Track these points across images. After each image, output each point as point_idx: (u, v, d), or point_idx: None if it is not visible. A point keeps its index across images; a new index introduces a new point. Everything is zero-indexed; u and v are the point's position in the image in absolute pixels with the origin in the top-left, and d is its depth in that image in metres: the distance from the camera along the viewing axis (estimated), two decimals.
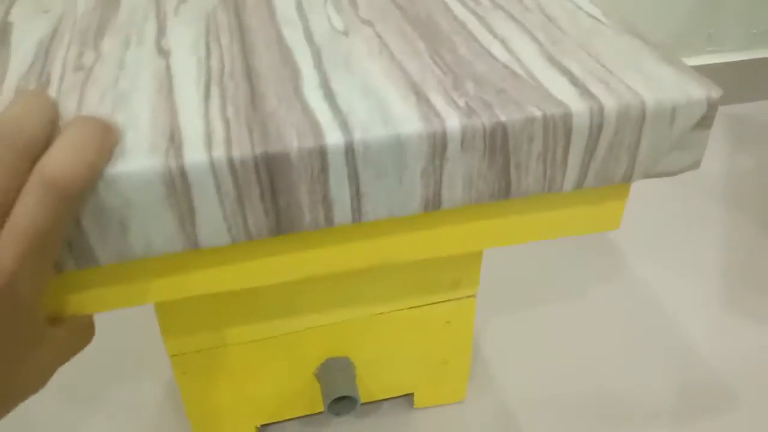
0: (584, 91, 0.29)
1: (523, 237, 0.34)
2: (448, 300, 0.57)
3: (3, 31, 0.36)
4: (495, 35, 0.34)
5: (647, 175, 0.31)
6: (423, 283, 0.55)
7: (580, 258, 0.85)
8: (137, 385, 0.69)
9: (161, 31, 0.35)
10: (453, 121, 0.28)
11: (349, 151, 0.27)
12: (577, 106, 0.28)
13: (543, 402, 0.67)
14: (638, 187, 0.97)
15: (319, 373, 0.58)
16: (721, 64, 1.12)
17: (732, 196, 0.95)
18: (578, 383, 0.69)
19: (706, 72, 1.12)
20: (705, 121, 0.30)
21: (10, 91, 0.31)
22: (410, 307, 0.57)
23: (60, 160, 0.23)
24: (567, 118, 0.28)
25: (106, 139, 0.25)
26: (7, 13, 0.38)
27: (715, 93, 0.29)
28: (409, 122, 0.28)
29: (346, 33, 0.35)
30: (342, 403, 0.57)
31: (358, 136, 0.27)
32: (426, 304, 0.57)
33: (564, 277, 0.82)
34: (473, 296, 0.58)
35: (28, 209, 0.23)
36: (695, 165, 0.31)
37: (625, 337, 0.74)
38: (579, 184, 0.30)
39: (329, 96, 0.30)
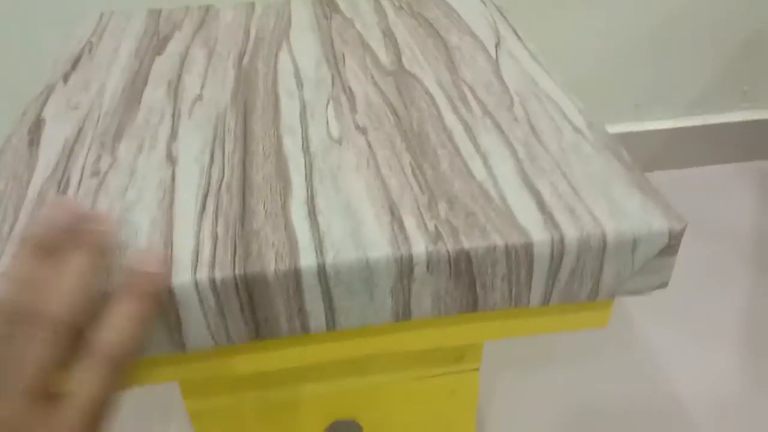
0: (549, 218, 0.31)
1: (500, 335, 0.35)
2: (452, 372, 0.59)
3: (36, 129, 0.40)
4: (478, 149, 0.36)
5: (613, 295, 0.32)
6: (427, 357, 0.57)
7: None
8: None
9: (173, 135, 0.39)
10: (419, 248, 0.30)
11: (322, 272, 0.29)
12: (539, 235, 0.30)
13: None
14: None
15: None
16: (756, 120, 1.11)
17: (760, 257, 0.93)
18: None
19: (741, 128, 1.11)
20: (668, 250, 0.31)
21: (34, 194, 0.34)
22: (415, 378, 0.58)
23: (120, 338, 0.24)
24: (528, 247, 0.30)
25: (157, 300, 0.27)
26: (42, 107, 0.43)
27: (678, 224, 0.30)
28: (379, 247, 0.30)
29: (339, 141, 0.37)
30: None
31: (330, 259, 0.29)
32: (430, 376, 0.58)
33: (574, 338, 0.82)
34: (477, 369, 0.59)
35: (92, 386, 0.24)
36: (662, 285, 0.32)
37: (633, 404, 0.73)
38: (545, 302, 0.32)
39: (312, 213, 0.32)
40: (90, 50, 0.50)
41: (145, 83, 0.44)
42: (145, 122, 0.40)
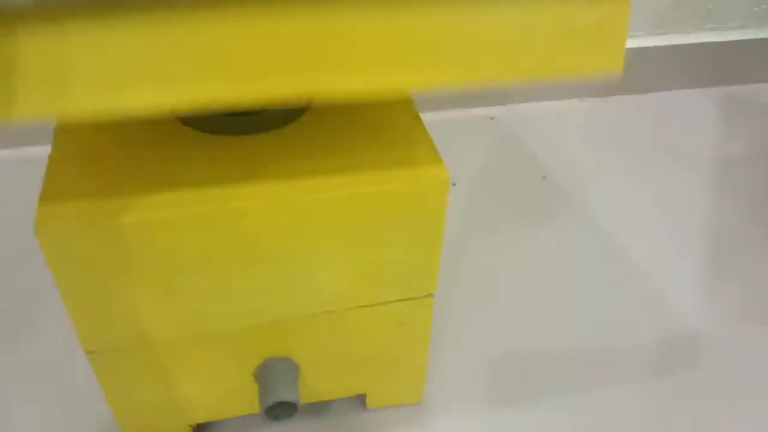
0: None
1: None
2: (402, 300, 0.52)
3: None
4: None
5: None
6: (374, 281, 0.49)
7: (551, 226, 0.80)
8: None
9: None
10: None
11: None
12: None
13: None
14: (632, 169, 0.91)
15: (257, 374, 0.53)
16: (720, 42, 1.05)
17: (722, 181, 0.90)
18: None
19: (705, 50, 1.05)
20: None
21: None
22: (357, 307, 0.51)
23: None
24: None
25: None
26: None
27: None
28: None
29: None
30: (281, 408, 0.52)
31: None
32: (375, 304, 0.51)
33: (533, 243, 0.77)
34: (431, 295, 0.52)
35: None
36: None
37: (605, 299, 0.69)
38: None
39: None
40: None
41: None
42: None
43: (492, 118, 1.00)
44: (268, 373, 0.52)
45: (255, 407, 0.56)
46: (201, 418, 0.57)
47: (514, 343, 0.68)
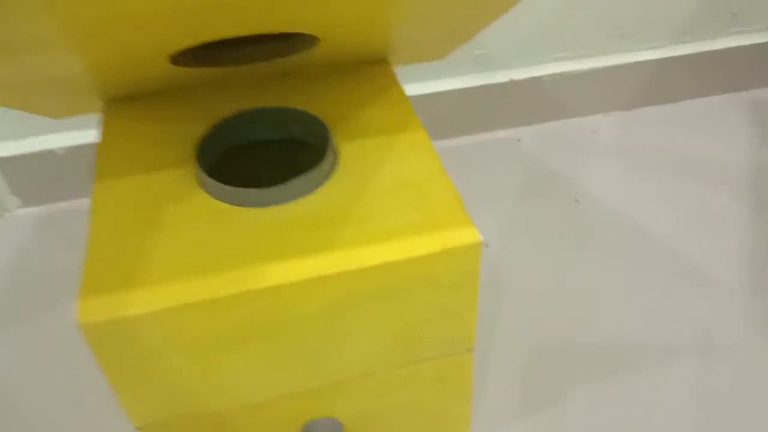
0: None
1: None
2: (441, 356, 0.51)
3: None
4: None
5: None
6: (411, 342, 0.49)
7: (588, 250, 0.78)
8: None
9: None
10: None
11: None
12: None
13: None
14: (665, 185, 0.89)
15: None
16: (748, 46, 1.02)
17: (755, 192, 0.87)
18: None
19: (732, 55, 1.03)
20: None
21: None
22: (398, 366, 0.51)
23: None
24: None
25: None
26: None
27: None
28: None
29: None
30: None
31: None
32: (415, 362, 0.51)
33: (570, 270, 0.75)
34: (469, 350, 0.52)
35: None
36: None
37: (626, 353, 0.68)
38: None
39: None
40: None
41: None
42: None
43: (519, 140, 0.99)
44: None
45: None
46: None
47: (556, 379, 0.67)
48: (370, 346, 0.48)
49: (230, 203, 0.48)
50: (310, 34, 0.48)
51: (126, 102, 0.58)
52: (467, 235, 0.44)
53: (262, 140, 0.57)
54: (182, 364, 0.44)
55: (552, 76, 0.97)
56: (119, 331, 0.41)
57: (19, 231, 0.89)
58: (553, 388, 0.66)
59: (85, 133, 0.87)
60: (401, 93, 0.59)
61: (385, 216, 0.46)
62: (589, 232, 0.83)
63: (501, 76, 0.97)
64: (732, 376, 0.66)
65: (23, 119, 0.85)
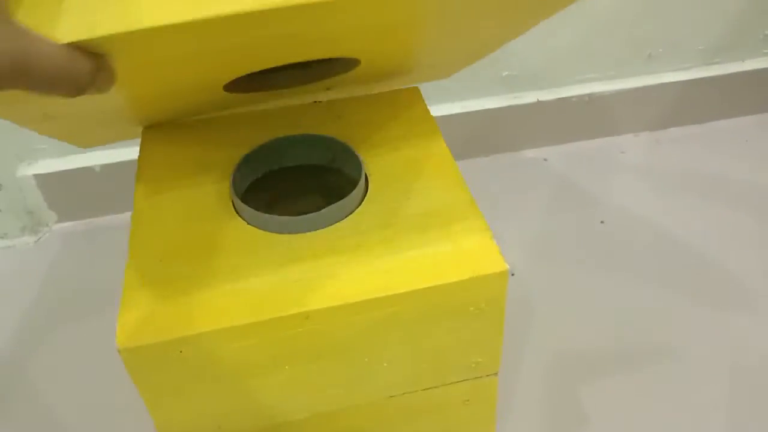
0: None
1: None
2: (466, 380, 0.52)
3: None
4: None
5: None
6: (437, 366, 0.50)
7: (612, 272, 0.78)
8: None
9: None
10: None
11: None
12: None
13: None
14: (693, 207, 0.89)
15: None
16: None
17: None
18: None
19: (763, 76, 1.02)
20: None
21: None
22: (424, 389, 0.52)
23: None
24: None
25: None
26: None
27: None
28: None
29: None
30: None
31: None
32: (441, 385, 0.52)
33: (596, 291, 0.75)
34: (494, 374, 0.53)
35: None
36: None
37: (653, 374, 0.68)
38: None
39: None
40: None
41: None
42: None
43: (545, 159, 1.00)
44: None
45: None
46: None
47: (582, 404, 0.68)
48: (399, 370, 0.50)
49: (265, 230, 0.49)
50: (349, 58, 0.50)
51: (164, 128, 0.60)
52: (494, 265, 0.45)
53: (295, 166, 0.58)
54: (219, 388, 0.46)
55: (579, 97, 0.98)
56: (158, 356, 0.43)
57: (55, 245, 0.92)
58: (578, 413, 0.67)
59: (122, 151, 0.90)
60: (429, 118, 0.61)
61: (414, 244, 0.47)
62: (615, 254, 0.83)
63: (529, 97, 0.98)
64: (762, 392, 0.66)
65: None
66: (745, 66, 1.01)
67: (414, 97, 0.64)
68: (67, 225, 0.95)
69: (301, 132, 0.58)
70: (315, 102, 0.64)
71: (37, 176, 0.90)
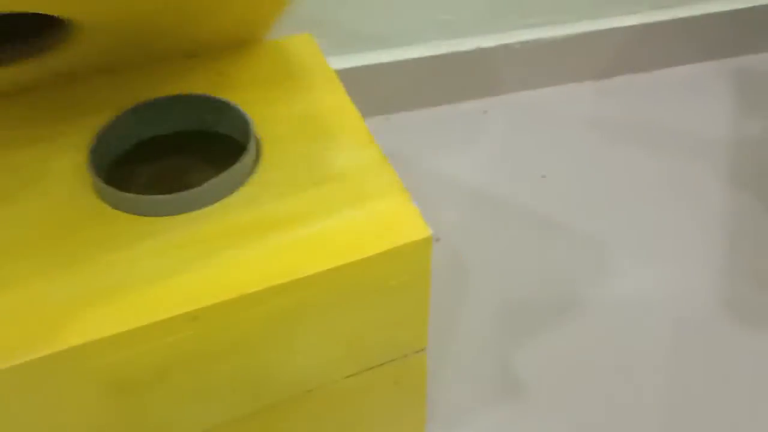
0: None
1: None
2: (394, 360, 0.47)
3: None
4: None
5: None
6: (362, 349, 0.44)
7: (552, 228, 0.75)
8: None
9: None
10: None
11: None
12: None
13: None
14: (640, 160, 0.86)
15: None
16: (733, 11, 0.97)
17: (733, 165, 0.85)
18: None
19: (715, 21, 0.98)
20: None
21: None
22: (351, 375, 0.46)
23: None
24: None
25: None
26: None
27: None
28: None
29: None
30: None
31: None
32: (368, 369, 0.46)
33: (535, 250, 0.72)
34: (423, 351, 0.48)
35: None
36: None
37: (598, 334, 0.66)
38: None
39: None
40: None
41: None
42: None
43: (485, 111, 0.94)
44: None
45: None
46: None
47: (520, 372, 0.64)
48: (316, 360, 0.43)
49: (136, 213, 0.41)
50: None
51: None
52: (416, 231, 0.39)
53: (169, 134, 0.49)
54: (97, 407, 0.38)
55: (522, 43, 0.92)
56: (19, 378, 0.34)
57: None
58: (516, 377, 0.63)
59: None
60: (326, 68, 0.53)
61: (320, 215, 0.41)
62: (557, 209, 0.79)
63: (468, 44, 0.91)
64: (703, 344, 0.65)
65: None
66: (693, 11, 0.97)
67: (307, 46, 0.56)
68: None
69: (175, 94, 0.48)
70: (188, 57, 0.54)
71: None
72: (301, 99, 0.50)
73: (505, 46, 0.92)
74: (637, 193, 0.82)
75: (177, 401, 0.40)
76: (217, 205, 0.41)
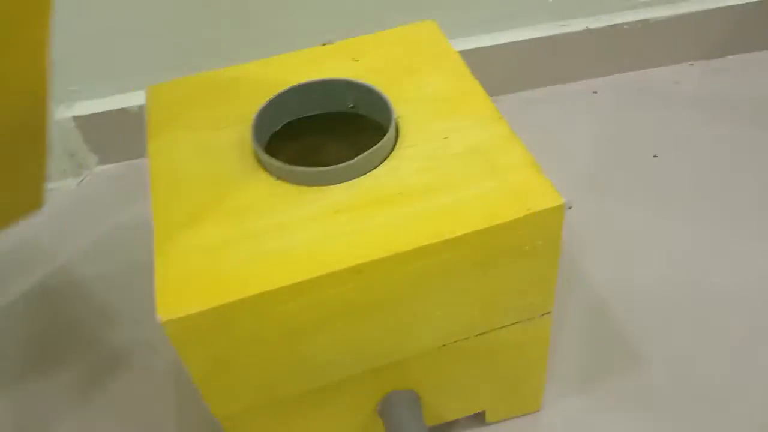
0: None
1: None
2: (520, 322, 0.50)
3: None
4: None
5: None
6: (491, 310, 0.48)
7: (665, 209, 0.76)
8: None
9: None
10: None
11: None
12: None
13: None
14: (753, 141, 0.85)
15: (382, 409, 0.53)
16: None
17: None
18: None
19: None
20: None
21: None
22: (477, 335, 0.50)
23: None
24: None
25: None
26: None
27: None
28: None
29: None
30: None
31: None
32: (494, 329, 0.50)
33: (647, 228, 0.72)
34: (548, 314, 0.51)
35: None
36: None
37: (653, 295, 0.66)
38: None
39: None
40: None
41: None
42: None
43: (595, 92, 0.95)
44: (393, 409, 0.52)
45: None
46: None
47: (632, 340, 0.66)
48: (450, 318, 0.48)
49: (296, 183, 0.46)
50: None
51: (168, 86, 0.56)
52: (550, 199, 0.43)
53: (310, 116, 0.55)
54: (268, 353, 0.44)
55: (632, 23, 0.92)
56: (203, 325, 0.40)
57: (97, 187, 0.90)
58: (628, 351, 0.65)
59: None
60: (452, 51, 0.57)
61: (459, 186, 0.45)
62: (668, 189, 0.80)
63: (577, 25, 0.92)
64: None
65: (97, 78, 0.86)
66: (669, 11, 0.93)
67: (432, 32, 0.60)
68: (108, 167, 0.92)
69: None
70: (324, 44, 0.60)
71: (76, 118, 0.87)
72: (431, 81, 0.54)
73: (613, 27, 0.92)
74: (752, 173, 0.80)
75: (336, 347, 0.45)
76: (365, 176, 0.46)
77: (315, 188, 0.46)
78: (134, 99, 0.88)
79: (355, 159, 0.45)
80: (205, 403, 0.46)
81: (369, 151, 0.46)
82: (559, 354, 0.64)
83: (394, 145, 0.49)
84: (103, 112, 0.88)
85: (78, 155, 0.91)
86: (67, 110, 0.88)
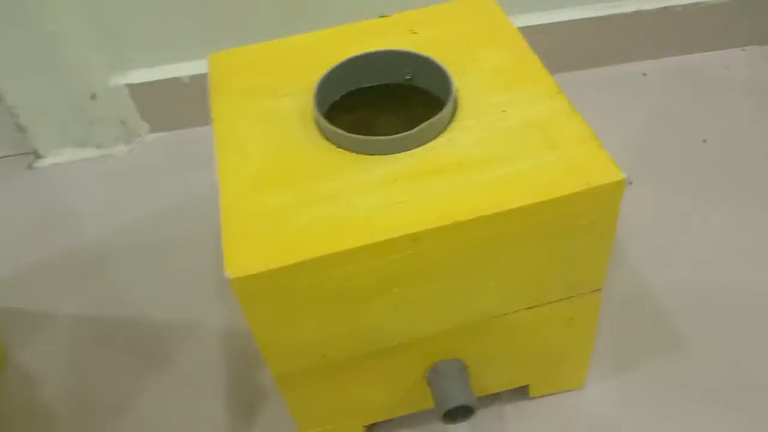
0: None
1: None
2: (570, 297, 0.51)
3: None
4: None
5: None
6: (543, 284, 0.49)
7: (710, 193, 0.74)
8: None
9: None
10: None
11: None
12: None
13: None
14: None
15: (430, 377, 0.54)
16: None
17: None
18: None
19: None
20: None
21: None
22: (528, 308, 0.51)
23: None
24: None
25: None
26: None
27: None
28: None
29: None
30: (458, 412, 0.53)
31: None
32: (544, 304, 0.51)
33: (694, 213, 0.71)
34: (598, 291, 0.51)
35: None
36: None
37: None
38: None
39: None
40: None
41: None
42: None
43: (644, 74, 0.94)
44: (441, 378, 0.53)
45: (426, 405, 0.58)
46: (374, 419, 0.59)
47: (676, 321, 0.66)
48: (503, 290, 0.48)
49: (356, 152, 0.47)
50: None
51: (230, 54, 0.58)
52: (611, 174, 0.43)
53: (369, 87, 0.55)
54: (325, 314, 0.45)
55: (684, 6, 0.90)
56: (268, 284, 0.42)
57: (148, 155, 0.92)
58: (669, 334, 0.65)
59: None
60: (510, 26, 0.57)
61: (517, 158, 0.45)
62: (717, 174, 0.79)
63: (628, 6, 0.91)
64: None
65: (151, 47, 0.88)
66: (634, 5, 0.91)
67: (489, 6, 0.60)
68: (159, 135, 0.95)
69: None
70: (381, 16, 0.60)
71: (129, 86, 0.90)
72: (489, 55, 0.54)
73: (666, 9, 0.91)
74: None
75: (390, 313, 0.46)
76: (424, 147, 0.47)
77: (375, 157, 0.47)
78: (186, 69, 0.90)
79: (415, 129, 0.46)
80: (265, 362, 0.48)
81: (429, 121, 0.46)
82: (601, 333, 0.64)
83: (452, 117, 0.49)
84: (155, 81, 0.90)
85: (129, 123, 0.93)
86: (121, 77, 0.90)
